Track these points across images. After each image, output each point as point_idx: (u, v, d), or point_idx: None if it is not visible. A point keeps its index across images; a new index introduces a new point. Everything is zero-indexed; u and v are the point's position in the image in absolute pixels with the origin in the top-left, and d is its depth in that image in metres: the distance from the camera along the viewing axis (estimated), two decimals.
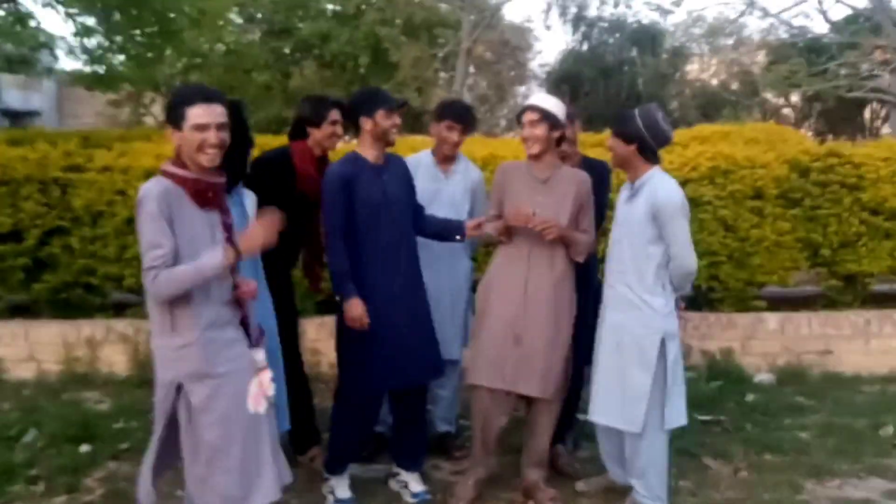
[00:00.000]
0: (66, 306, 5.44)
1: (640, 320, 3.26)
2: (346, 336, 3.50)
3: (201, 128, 2.51)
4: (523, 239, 3.49)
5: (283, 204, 3.18)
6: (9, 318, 5.38)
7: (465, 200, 3.94)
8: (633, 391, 3.28)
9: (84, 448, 4.02)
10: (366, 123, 3.45)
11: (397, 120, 3.48)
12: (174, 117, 2.53)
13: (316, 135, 3.76)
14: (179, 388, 2.54)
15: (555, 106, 3.50)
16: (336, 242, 3.41)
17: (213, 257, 2.50)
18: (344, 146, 4.97)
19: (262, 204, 3.35)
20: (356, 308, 3.35)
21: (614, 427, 3.41)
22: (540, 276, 3.48)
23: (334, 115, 3.76)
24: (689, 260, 3.22)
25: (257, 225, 2.64)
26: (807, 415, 4.68)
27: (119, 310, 5.51)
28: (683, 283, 3.31)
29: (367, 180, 3.43)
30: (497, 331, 3.49)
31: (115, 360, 5.19)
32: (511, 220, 3.41)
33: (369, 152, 3.48)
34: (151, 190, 2.46)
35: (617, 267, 3.37)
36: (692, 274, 3.26)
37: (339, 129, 3.79)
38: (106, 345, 5.20)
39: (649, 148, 3.27)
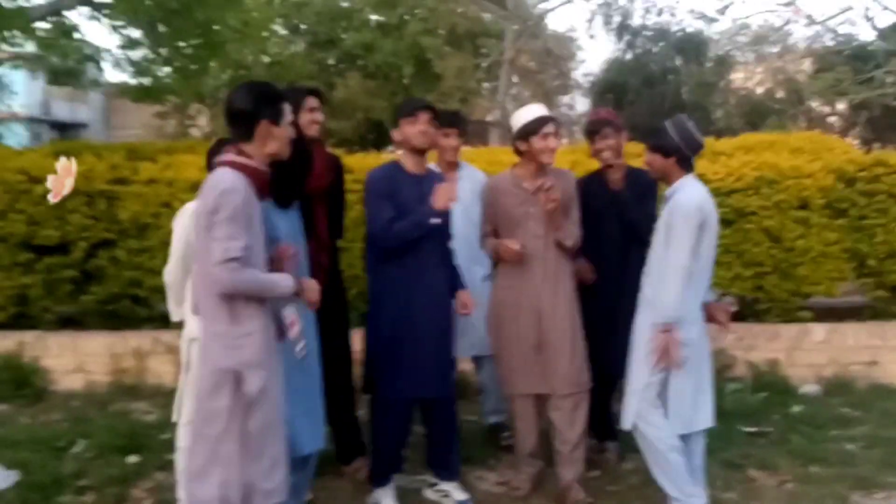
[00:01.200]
0: (113, 318, 5.53)
1: (656, 318, 3.29)
2: (374, 344, 3.57)
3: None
4: (525, 247, 3.60)
5: (283, 200, 3.24)
6: (58, 330, 5.48)
7: (474, 203, 3.98)
8: (630, 385, 3.37)
9: (132, 459, 4.09)
10: (396, 135, 3.59)
11: (421, 126, 3.50)
12: (274, 113, 2.64)
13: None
14: (236, 377, 2.55)
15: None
16: (384, 219, 3.42)
17: (287, 283, 2.63)
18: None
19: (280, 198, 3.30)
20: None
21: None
22: (546, 280, 3.61)
23: (311, 102, 3.73)
24: (672, 266, 3.21)
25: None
26: (853, 426, 4.58)
27: (165, 321, 5.59)
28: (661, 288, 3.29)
29: (407, 188, 3.49)
30: (517, 342, 3.63)
31: (163, 371, 5.26)
32: (504, 258, 3.60)
33: (407, 162, 3.57)
34: (236, 183, 2.51)
35: (648, 269, 3.42)
36: (675, 272, 3.21)
37: (317, 116, 3.76)
38: (153, 356, 5.28)
39: (686, 158, 3.34)
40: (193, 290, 2.65)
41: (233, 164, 2.58)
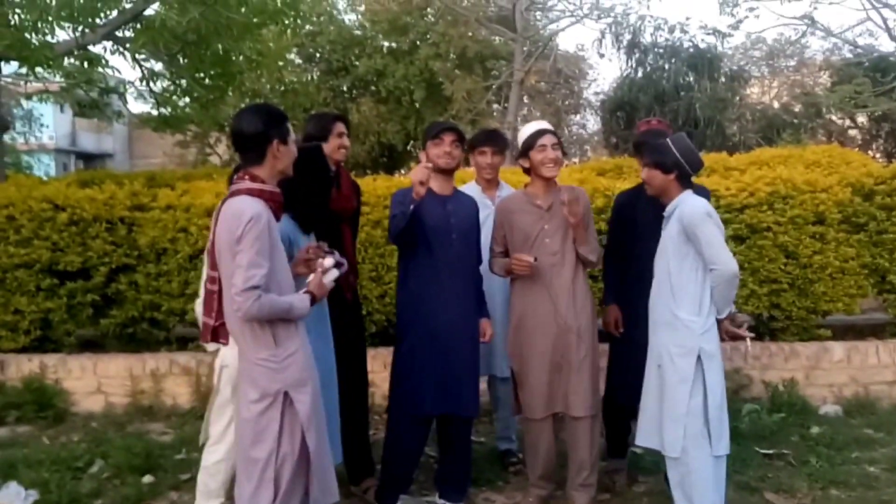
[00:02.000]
0: (132, 340, 5.63)
1: (676, 339, 3.25)
2: (396, 363, 3.62)
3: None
4: (541, 265, 3.60)
5: (310, 223, 3.29)
6: (78, 353, 5.59)
7: None
8: (670, 412, 3.25)
9: (147, 479, 4.14)
10: (422, 156, 3.66)
11: (446, 147, 3.57)
12: (283, 132, 2.72)
13: (324, 149, 3.81)
14: (286, 398, 2.62)
15: None
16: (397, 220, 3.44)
17: (304, 303, 2.69)
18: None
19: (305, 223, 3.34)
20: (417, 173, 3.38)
21: (655, 449, 3.38)
22: (563, 298, 3.60)
23: (339, 127, 3.83)
24: (727, 262, 3.20)
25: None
26: (875, 448, 4.50)
27: (182, 343, 5.68)
28: (728, 290, 3.25)
29: (432, 208, 3.54)
30: (540, 364, 3.62)
31: (179, 393, 5.35)
32: (517, 271, 3.59)
33: (432, 183, 3.59)
34: (259, 210, 2.57)
35: (657, 290, 3.38)
36: (735, 276, 3.22)
37: (345, 141, 3.85)
38: (170, 377, 5.37)
39: (686, 175, 3.34)
40: (227, 319, 2.69)
41: (251, 192, 2.64)
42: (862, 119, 18.57)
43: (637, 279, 3.65)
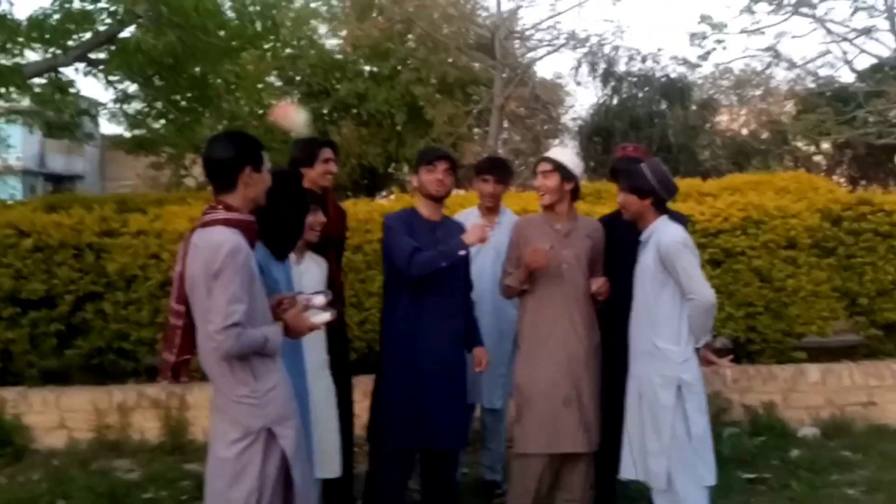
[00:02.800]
0: (98, 372, 5.44)
1: (656, 369, 3.23)
2: (379, 394, 3.53)
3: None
4: (553, 292, 3.51)
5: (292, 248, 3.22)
6: (40, 386, 5.36)
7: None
8: (653, 443, 3.21)
9: None
10: (414, 181, 3.62)
11: (438, 174, 3.53)
12: (256, 159, 2.64)
13: (310, 174, 3.78)
14: (269, 434, 2.53)
15: (570, 159, 3.57)
16: (412, 256, 3.38)
17: (277, 336, 2.60)
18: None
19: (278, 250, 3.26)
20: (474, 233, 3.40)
21: (638, 479, 3.33)
22: (574, 330, 3.50)
23: (326, 153, 3.81)
24: (705, 292, 3.18)
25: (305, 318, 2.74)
26: (854, 470, 4.51)
27: (151, 375, 5.52)
28: (705, 320, 3.23)
29: (420, 235, 3.49)
30: (548, 397, 3.47)
31: (147, 427, 5.15)
32: (532, 264, 3.42)
33: (423, 209, 3.58)
34: (238, 242, 2.48)
35: (636, 318, 3.35)
36: (712, 306, 3.21)
37: (332, 167, 3.83)
38: (138, 411, 5.17)
39: (661, 200, 3.33)
40: (202, 356, 2.58)
41: (228, 222, 2.54)
42: (826, 146, 18.96)
43: (615, 305, 3.59)
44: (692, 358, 3.25)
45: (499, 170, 4.25)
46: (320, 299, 2.80)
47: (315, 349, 3.26)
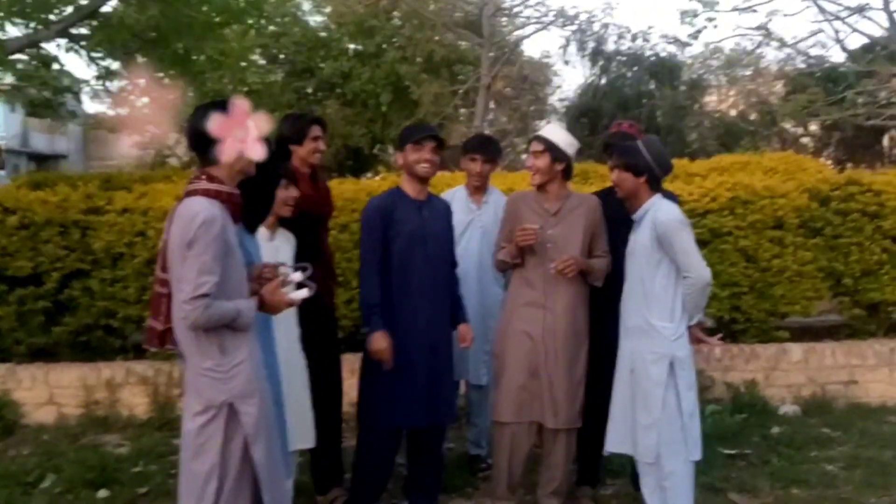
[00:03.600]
0: (86, 349, 5.45)
1: (649, 346, 3.25)
2: (368, 372, 3.53)
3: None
4: (537, 269, 3.54)
5: (289, 227, 3.21)
6: (29, 362, 5.38)
7: (496, 228, 3.95)
8: (643, 418, 3.24)
9: (102, 493, 4.00)
10: (399, 159, 3.59)
11: (426, 154, 3.51)
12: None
13: (299, 152, 3.75)
14: (231, 409, 2.51)
15: (563, 138, 3.54)
16: (369, 274, 3.47)
17: (251, 310, 2.57)
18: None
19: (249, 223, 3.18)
20: (380, 341, 3.39)
21: (629, 455, 3.37)
22: (556, 305, 3.53)
23: (315, 130, 3.77)
24: (702, 270, 3.20)
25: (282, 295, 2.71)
26: (833, 447, 4.58)
27: (139, 351, 5.53)
28: (700, 298, 3.26)
29: (407, 213, 3.50)
30: (519, 368, 3.53)
31: (136, 403, 5.19)
32: (520, 241, 3.45)
33: (408, 187, 3.57)
34: (213, 213, 2.46)
35: (629, 295, 3.37)
36: (708, 284, 3.23)
37: (320, 145, 3.79)
38: (126, 387, 5.20)
39: (656, 178, 3.32)
40: (174, 324, 2.56)
41: (207, 193, 2.52)
42: (814, 127, 19.02)
43: (606, 282, 3.62)
44: (685, 335, 3.29)
45: (487, 148, 4.24)
46: (297, 275, 2.77)
47: (287, 323, 3.25)
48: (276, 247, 3.31)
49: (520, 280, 3.61)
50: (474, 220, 4.17)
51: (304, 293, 2.74)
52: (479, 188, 4.24)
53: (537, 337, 3.52)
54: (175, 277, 2.49)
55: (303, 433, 3.32)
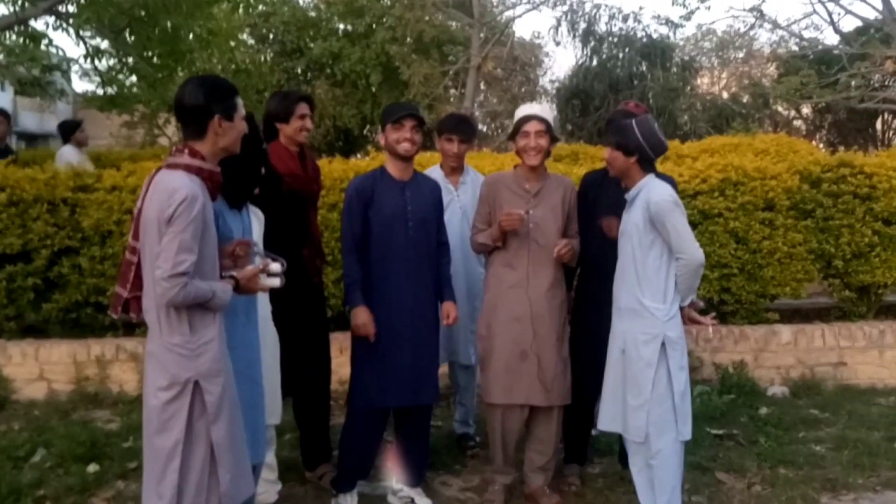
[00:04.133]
0: (76, 326, 5.46)
1: (641, 326, 3.25)
2: (355, 351, 3.53)
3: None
4: (520, 251, 3.55)
5: (276, 207, 3.18)
6: (19, 338, 5.39)
7: (474, 209, 3.94)
8: (634, 398, 3.26)
9: (92, 468, 4.01)
10: (381, 139, 3.57)
11: (406, 133, 3.49)
12: (228, 108, 2.58)
13: (286, 130, 3.72)
14: (197, 387, 2.49)
15: (551, 118, 3.59)
16: (348, 252, 3.47)
17: (226, 293, 2.55)
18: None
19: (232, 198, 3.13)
20: (362, 315, 3.41)
21: (617, 434, 3.40)
22: (538, 287, 3.55)
23: (302, 108, 3.72)
24: (694, 252, 3.20)
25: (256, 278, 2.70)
26: (821, 428, 4.62)
27: (129, 328, 5.52)
28: (693, 279, 3.26)
29: (388, 194, 3.48)
30: (506, 350, 3.55)
31: (125, 379, 5.20)
32: (506, 225, 3.45)
33: (391, 167, 3.56)
34: (195, 190, 2.43)
35: (621, 275, 3.37)
36: (701, 265, 3.23)
37: (307, 123, 3.75)
38: (116, 363, 5.22)
39: (648, 158, 3.30)
40: (145, 297, 2.54)
41: (189, 168, 2.50)
42: (806, 110, 19.03)
43: (595, 262, 3.64)
44: (677, 316, 3.29)
45: (463, 128, 4.19)
46: (277, 266, 2.78)
47: (261, 301, 3.23)
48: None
49: (501, 262, 3.61)
50: (453, 200, 4.15)
51: (276, 282, 2.78)
52: (455, 169, 4.21)
53: (524, 318, 3.54)
54: (148, 250, 2.47)
55: (271, 409, 3.29)
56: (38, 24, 8.67)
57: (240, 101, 2.64)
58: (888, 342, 5.47)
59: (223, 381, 2.56)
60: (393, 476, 3.74)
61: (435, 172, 4.21)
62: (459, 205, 4.14)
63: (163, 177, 2.50)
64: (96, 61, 9.88)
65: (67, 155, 7.11)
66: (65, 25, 8.74)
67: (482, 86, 18.83)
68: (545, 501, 3.61)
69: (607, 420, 3.41)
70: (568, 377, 3.61)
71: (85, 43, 9.45)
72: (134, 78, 10.23)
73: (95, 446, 4.18)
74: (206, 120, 2.54)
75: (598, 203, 3.70)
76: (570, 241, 3.54)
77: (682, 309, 3.33)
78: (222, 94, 2.59)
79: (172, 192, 2.41)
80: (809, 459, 4.12)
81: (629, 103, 4.01)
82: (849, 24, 15.20)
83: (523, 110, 3.65)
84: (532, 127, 3.54)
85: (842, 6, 13.62)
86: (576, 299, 3.84)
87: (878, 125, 18.80)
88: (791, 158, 6.26)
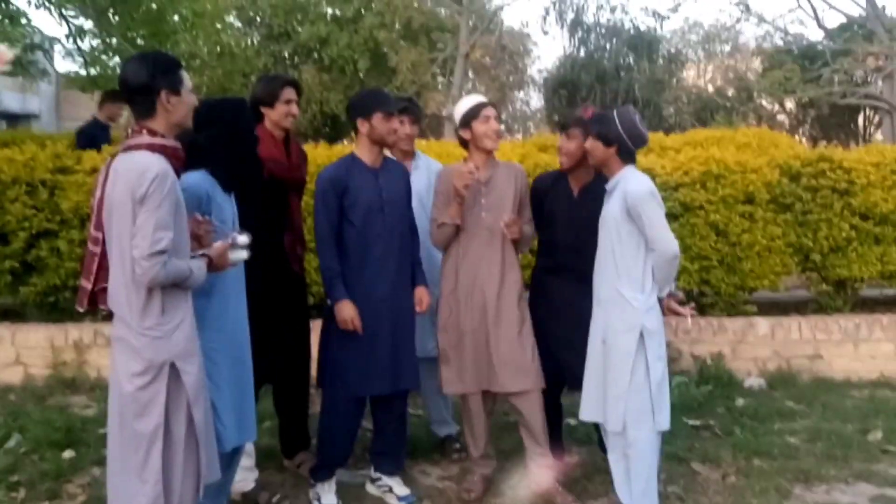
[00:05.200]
0: (54, 309, 5.41)
1: (620, 316, 3.27)
2: (330, 340, 3.52)
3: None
4: (472, 240, 3.57)
5: (257, 193, 3.16)
6: None
7: (429, 195, 3.90)
8: (613, 388, 3.28)
9: (67, 454, 3.99)
10: (362, 126, 3.48)
11: (396, 125, 3.48)
12: (173, 82, 2.55)
13: (271, 115, 3.67)
14: (173, 368, 2.49)
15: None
16: (326, 245, 3.44)
17: (202, 270, 2.56)
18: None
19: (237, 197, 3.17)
20: (347, 309, 3.38)
21: (598, 422, 3.41)
22: (492, 273, 3.57)
23: (288, 93, 3.68)
24: (669, 243, 3.21)
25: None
26: (796, 419, 4.67)
27: (107, 313, 5.48)
28: (669, 270, 3.28)
29: (363, 182, 3.45)
30: (465, 339, 3.57)
31: (103, 364, 5.14)
32: (458, 183, 3.42)
33: (366, 155, 3.51)
34: (164, 167, 2.42)
35: (601, 266, 3.38)
36: (676, 257, 3.24)
37: (293, 109, 3.71)
38: (94, 348, 5.18)
39: (627, 150, 3.31)
40: (113, 284, 2.52)
41: (152, 147, 2.47)
42: (790, 105, 19.15)
43: (554, 267, 3.66)
44: (656, 306, 3.31)
45: (411, 110, 4.12)
46: (244, 238, 2.77)
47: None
48: None
49: (455, 251, 3.62)
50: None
51: (243, 255, 2.79)
52: (407, 152, 4.13)
53: (479, 305, 3.56)
54: (116, 235, 2.45)
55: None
56: (20, 2, 8.55)
57: (185, 74, 2.61)
58: (863, 336, 5.54)
59: (198, 360, 2.57)
60: (371, 464, 3.75)
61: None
62: (415, 190, 3.95)
63: (126, 159, 2.47)
64: (79, 41, 9.77)
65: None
66: (47, 4, 8.63)
67: (470, 74, 18.79)
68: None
69: (588, 410, 3.43)
70: (534, 360, 3.58)
71: (68, 22, 9.34)
72: (117, 59, 10.11)
73: (71, 432, 4.16)
74: (153, 97, 2.51)
75: (551, 204, 3.70)
76: (518, 220, 3.55)
77: (661, 300, 3.36)
78: (165, 69, 2.56)
79: (143, 171, 2.39)
80: (784, 451, 4.16)
81: (588, 109, 3.98)
82: (833, 20, 15.33)
83: (473, 98, 3.68)
84: (491, 112, 3.58)
85: (826, 2, 13.76)
86: (531, 297, 3.80)
87: (860, 120, 18.95)
88: (772, 152, 6.29)
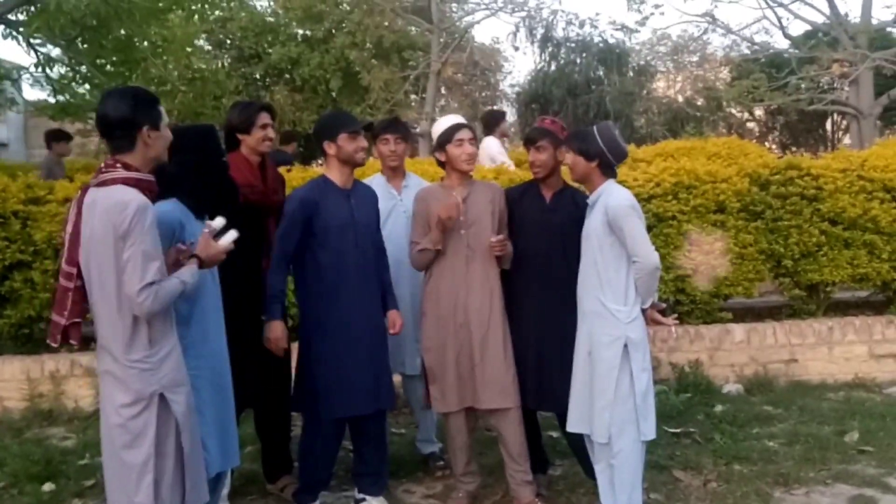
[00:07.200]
0: (28, 341, 5.36)
1: (605, 328, 3.31)
2: (307, 363, 3.52)
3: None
4: (455, 257, 3.59)
5: (233, 219, 3.17)
6: None
7: None
8: (599, 400, 3.31)
9: (48, 486, 3.94)
10: (329, 148, 3.52)
11: (362, 143, 3.53)
12: (154, 117, 2.58)
13: (248, 141, 3.70)
14: (161, 399, 2.49)
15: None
16: (280, 263, 3.46)
17: (193, 271, 2.59)
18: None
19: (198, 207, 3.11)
20: (277, 329, 3.43)
21: (585, 433, 3.43)
22: (475, 291, 3.59)
23: (264, 118, 3.71)
24: (650, 255, 3.27)
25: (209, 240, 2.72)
26: (774, 423, 4.73)
27: (83, 343, 5.40)
28: (650, 282, 3.33)
29: (334, 203, 3.48)
30: (449, 358, 3.58)
31: (81, 395, 5.11)
32: (443, 214, 3.46)
33: (336, 176, 3.54)
34: (143, 200, 2.45)
35: (584, 278, 3.42)
36: (656, 268, 3.30)
37: (269, 133, 3.74)
38: (71, 379, 5.13)
39: (608, 164, 3.38)
40: (98, 319, 2.53)
41: (127, 181, 2.48)
42: (759, 112, 19.43)
43: (525, 281, 3.68)
44: (639, 317, 3.36)
45: (397, 128, 4.17)
46: (219, 220, 2.77)
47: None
48: None
49: (437, 270, 3.64)
50: (396, 205, 4.10)
51: (233, 234, 2.78)
52: (396, 170, 4.16)
53: (463, 323, 3.57)
54: (97, 271, 2.45)
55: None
56: None
57: (163, 109, 2.65)
58: (837, 338, 5.63)
59: (186, 389, 2.58)
60: (355, 486, 3.74)
61: (377, 180, 4.15)
62: (404, 209, 4.05)
63: (103, 194, 2.47)
64: (48, 70, 9.71)
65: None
66: (14, 34, 8.58)
67: (443, 91, 18.89)
68: None
69: (575, 422, 3.45)
70: (514, 379, 3.60)
71: (36, 51, 9.28)
72: (87, 86, 10.05)
73: (51, 464, 4.11)
74: (135, 132, 2.53)
75: (522, 210, 3.74)
76: (505, 237, 3.59)
77: (645, 310, 3.40)
78: (147, 104, 2.59)
79: (123, 206, 2.40)
80: (763, 455, 4.22)
81: (545, 120, 4.00)
82: (797, 29, 15.60)
83: (449, 120, 3.71)
84: (465, 135, 3.61)
85: (790, 11, 13.98)
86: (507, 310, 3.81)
87: (828, 126, 19.27)
88: (741, 161, 6.39)
